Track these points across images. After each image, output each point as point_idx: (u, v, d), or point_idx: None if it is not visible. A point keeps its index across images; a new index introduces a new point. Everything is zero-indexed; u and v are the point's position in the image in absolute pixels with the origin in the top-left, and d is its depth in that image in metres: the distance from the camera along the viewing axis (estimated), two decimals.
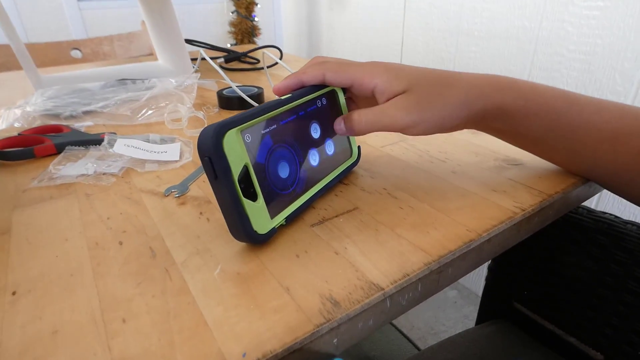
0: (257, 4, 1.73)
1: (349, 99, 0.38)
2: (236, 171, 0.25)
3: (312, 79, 0.33)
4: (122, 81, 0.64)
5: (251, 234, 0.26)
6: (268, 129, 0.29)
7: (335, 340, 0.22)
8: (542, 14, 1.01)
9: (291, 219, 0.30)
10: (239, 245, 0.28)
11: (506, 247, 0.31)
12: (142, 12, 0.86)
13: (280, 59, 0.84)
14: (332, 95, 0.36)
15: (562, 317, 0.57)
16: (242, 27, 1.70)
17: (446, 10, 1.23)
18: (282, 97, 0.31)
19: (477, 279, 1.35)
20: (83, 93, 0.58)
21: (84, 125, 0.51)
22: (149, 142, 0.44)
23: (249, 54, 0.87)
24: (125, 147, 0.42)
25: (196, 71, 0.64)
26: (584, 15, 0.92)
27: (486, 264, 0.64)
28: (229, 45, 1.81)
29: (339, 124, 0.34)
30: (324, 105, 0.35)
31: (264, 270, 0.26)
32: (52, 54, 1.39)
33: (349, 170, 0.37)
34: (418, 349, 0.66)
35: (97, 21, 1.71)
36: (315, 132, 0.34)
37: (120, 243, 0.29)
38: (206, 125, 0.32)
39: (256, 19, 1.74)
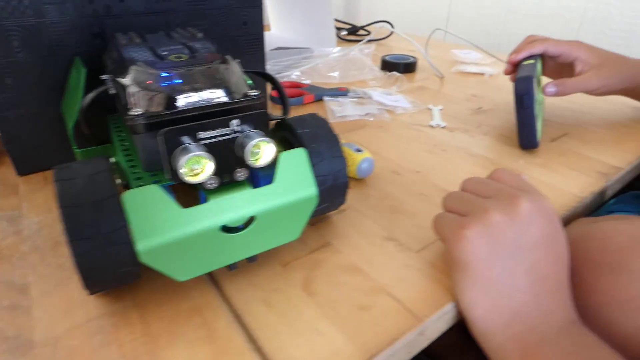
0: None
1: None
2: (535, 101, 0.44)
3: (538, 51, 0.52)
4: (286, 50, 0.80)
5: (534, 141, 0.46)
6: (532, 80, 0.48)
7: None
8: None
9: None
10: (518, 155, 0.47)
11: None
12: None
13: (391, 33, 1.01)
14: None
15: None
16: None
17: None
18: (531, 61, 0.50)
19: None
20: (283, 57, 0.74)
21: (307, 82, 0.68)
22: (380, 94, 0.62)
23: (365, 27, 1.03)
24: (379, 97, 0.59)
25: (368, 42, 0.81)
26: None
27: None
28: None
29: (552, 87, 0.49)
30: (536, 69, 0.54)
31: (544, 164, 0.45)
32: None
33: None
34: None
35: None
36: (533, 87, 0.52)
37: (444, 150, 0.48)
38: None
39: None
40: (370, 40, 0.98)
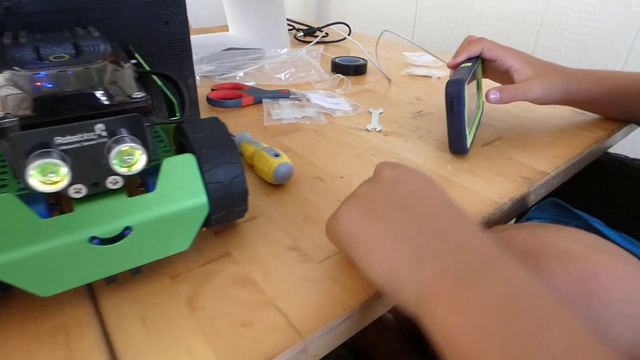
0: None
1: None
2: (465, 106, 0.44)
3: (475, 53, 0.51)
4: (238, 50, 0.79)
5: (464, 147, 0.45)
6: (464, 84, 0.47)
7: (537, 195, 0.42)
8: (548, 0, 1.21)
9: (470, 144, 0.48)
10: (447, 156, 0.47)
11: (588, 162, 0.52)
12: None
13: (349, 34, 1.00)
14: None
15: None
16: None
17: None
18: (466, 65, 0.49)
19: None
20: (229, 58, 0.73)
21: (249, 84, 0.67)
22: (320, 96, 0.61)
23: (321, 29, 1.02)
24: (318, 99, 0.58)
25: (320, 43, 0.79)
26: (585, 2, 1.14)
27: None
28: None
29: (494, 94, 0.48)
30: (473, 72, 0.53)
31: (477, 165, 0.44)
32: None
33: (481, 117, 0.56)
34: None
35: None
36: (472, 88, 0.52)
37: (374, 155, 0.47)
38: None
39: None
40: (326, 42, 0.97)
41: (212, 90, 0.62)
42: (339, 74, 0.70)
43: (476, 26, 1.41)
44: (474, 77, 0.52)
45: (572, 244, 0.29)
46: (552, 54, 1.24)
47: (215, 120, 0.32)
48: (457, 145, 0.46)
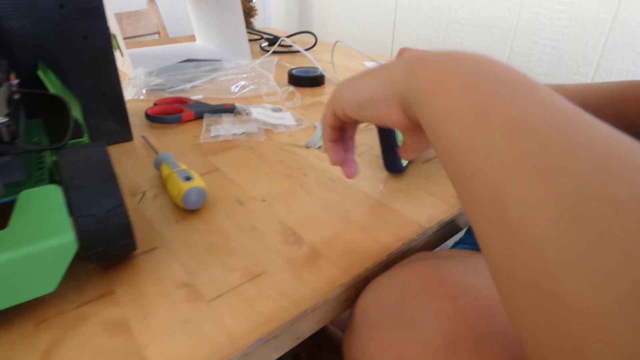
0: None
1: None
2: None
3: None
4: (196, 62, 0.76)
5: (399, 165, 0.42)
6: None
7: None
8: (521, 7, 1.20)
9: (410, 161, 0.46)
10: (384, 175, 0.44)
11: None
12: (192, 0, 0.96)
13: (315, 44, 0.98)
14: None
15: None
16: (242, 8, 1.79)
17: None
18: None
19: None
20: (180, 71, 0.70)
21: (197, 98, 0.64)
22: (266, 110, 0.58)
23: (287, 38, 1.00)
24: (259, 114, 0.56)
25: (271, 55, 0.77)
26: (555, 9, 1.12)
27: None
28: None
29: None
30: None
31: (411, 186, 0.42)
32: None
33: None
34: None
35: None
36: None
37: (305, 174, 0.44)
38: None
39: (253, 0, 1.83)
40: (284, 52, 0.95)
41: (155, 104, 0.59)
42: (290, 86, 0.68)
43: (453, 32, 1.39)
44: None
45: (475, 279, 0.26)
46: (528, 60, 1.23)
47: (96, 146, 0.30)
48: (390, 164, 0.43)
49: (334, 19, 1.81)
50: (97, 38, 0.44)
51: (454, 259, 0.32)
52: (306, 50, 0.96)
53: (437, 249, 0.38)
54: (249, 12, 1.81)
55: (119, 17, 1.50)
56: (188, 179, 0.37)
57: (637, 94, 0.48)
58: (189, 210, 0.38)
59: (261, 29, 1.34)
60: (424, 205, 0.39)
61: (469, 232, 0.42)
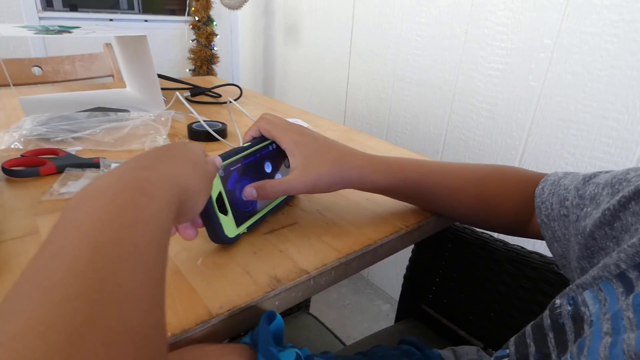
0: (216, 35, 1.86)
1: None
2: (215, 194, 0.39)
3: (254, 133, 0.47)
4: (104, 111, 0.75)
5: (223, 237, 0.40)
6: (235, 167, 0.43)
7: (277, 302, 0.36)
8: (459, 70, 1.23)
9: (251, 229, 0.43)
10: (215, 245, 0.41)
11: (395, 251, 0.47)
12: (117, 48, 0.97)
13: (240, 96, 0.98)
14: None
15: (455, 315, 0.74)
16: (202, 54, 1.83)
17: (384, 57, 1.43)
18: (245, 144, 0.45)
19: None
20: (70, 120, 0.69)
21: (75, 149, 0.62)
22: None
23: (213, 90, 1.00)
24: None
25: (170, 108, 0.76)
26: (488, 74, 1.15)
27: (402, 274, 0.80)
28: (187, 71, 1.92)
29: (251, 192, 0.42)
30: (274, 148, 0.49)
31: (232, 261, 0.39)
32: (12, 70, 1.42)
33: (292, 196, 0.52)
34: (344, 344, 0.80)
35: (59, 39, 1.75)
36: (268, 168, 0.48)
37: None
38: None
39: (215, 48, 1.87)
40: (219, 103, 0.95)
41: (21, 156, 0.57)
42: (189, 139, 0.66)
43: (400, 90, 1.42)
44: (272, 157, 0.48)
45: None
46: (466, 121, 1.24)
47: None
48: (213, 235, 0.40)
49: (295, 72, 1.85)
50: None
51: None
52: (230, 102, 0.96)
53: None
54: (210, 59, 1.84)
55: (72, 59, 1.51)
56: None
57: (497, 179, 0.47)
58: None
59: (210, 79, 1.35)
60: (231, 286, 0.36)
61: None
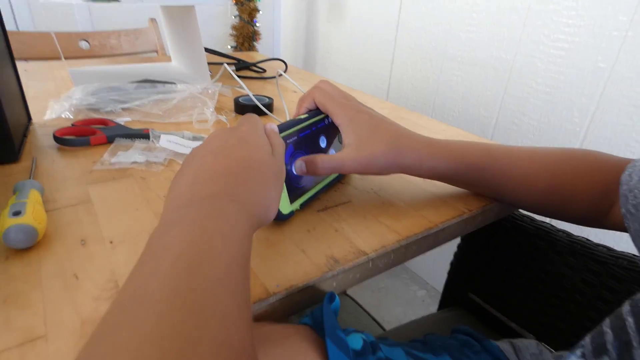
0: (259, 11, 1.83)
1: None
2: None
3: (309, 105, 0.44)
4: (151, 83, 0.75)
5: (277, 213, 0.38)
6: (291, 139, 0.40)
7: (334, 284, 0.34)
8: (517, 49, 1.15)
9: (304, 206, 0.41)
10: None
11: (456, 236, 0.43)
12: (164, 20, 0.96)
13: (285, 71, 0.95)
14: None
15: (505, 306, 0.70)
16: (244, 31, 1.80)
17: (435, 35, 1.36)
18: (301, 116, 0.42)
19: (443, 280, 1.48)
20: (119, 91, 0.68)
21: (124, 120, 0.62)
22: (183, 138, 0.55)
23: (258, 64, 0.98)
24: (168, 142, 0.52)
25: (217, 81, 0.75)
26: (551, 53, 1.06)
27: (449, 261, 0.77)
28: (229, 47, 1.91)
29: (300, 166, 0.39)
30: (330, 122, 0.46)
31: (286, 239, 0.37)
32: (60, 44, 1.45)
33: (343, 177, 0.49)
34: (383, 329, 0.77)
35: (104, 13, 1.78)
36: (323, 142, 0.45)
37: None
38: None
39: (257, 24, 1.85)
40: (264, 78, 0.93)
41: (72, 125, 0.57)
42: (222, 115, 0.64)
43: (449, 70, 1.35)
44: (327, 131, 0.45)
45: None
46: (521, 104, 1.16)
47: None
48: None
49: (337, 50, 1.80)
50: None
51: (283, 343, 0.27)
52: (274, 77, 0.93)
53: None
54: (252, 36, 1.82)
55: (118, 33, 1.53)
56: (17, 213, 0.33)
57: (573, 165, 0.42)
58: (18, 249, 0.34)
59: (258, 56, 1.33)
60: (287, 265, 0.34)
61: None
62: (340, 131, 0.42)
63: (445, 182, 0.46)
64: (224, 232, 0.23)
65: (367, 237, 0.38)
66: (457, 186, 0.47)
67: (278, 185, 0.32)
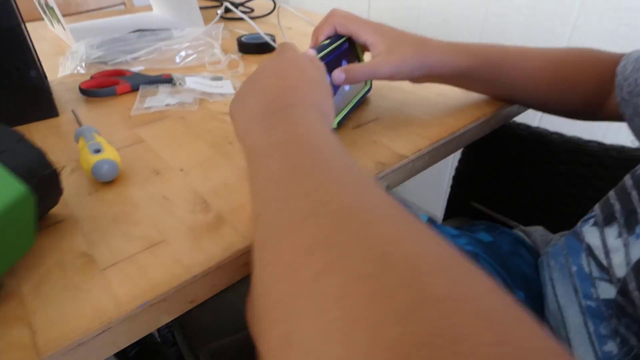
0: None
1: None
2: None
3: (329, 33, 0.47)
4: (151, 32, 0.74)
5: None
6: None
7: (385, 183, 0.39)
8: None
9: (340, 124, 0.46)
10: None
11: (475, 139, 0.49)
12: None
13: (273, 9, 0.95)
14: (351, 40, 0.50)
15: (507, 209, 0.78)
16: None
17: None
18: (324, 42, 0.46)
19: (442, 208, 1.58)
20: (123, 42, 0.68)
21: (138, 69, 0.63)
22: (205, 79, 0.57)
23: (246, 4, 0.97)
24: (195, 83, 0.55)
25: (217, 22, 0.75)
26: None
27: (434, 189, 0.83)
28: None
29: (339, 75, 0.42)
30: (347, 47, 0.50)
31: None
32: (23, 5, 1.37)
33: (366, 94, 0.53)
34: None
35: None
36: (344, 65, 0.49)
37: (230, 143, 0.44)
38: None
39: None
40: (230, 19, 0.93)
41: (91, 78, 0.58)
42: (233, 55, 0.66)
43: None
44: (346, 54, 0.49)
45: None
46: (504, 21, 1.20)
47: None
48: None
49: None
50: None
51: None
52: (264, 16, 0.94)
53: None
54: None
55: None
56: (98, 151, 0.37)
57: (573, 60, 0.48)
58: (103, 182, 0.37)
59: None
60: None
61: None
62: (368, 45, 0.46)
63: (465, 82, 0.50)
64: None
65: (403, 144, 0.43)
66: (472, 88, 0.52)
67: (331, 98, 0.36)
